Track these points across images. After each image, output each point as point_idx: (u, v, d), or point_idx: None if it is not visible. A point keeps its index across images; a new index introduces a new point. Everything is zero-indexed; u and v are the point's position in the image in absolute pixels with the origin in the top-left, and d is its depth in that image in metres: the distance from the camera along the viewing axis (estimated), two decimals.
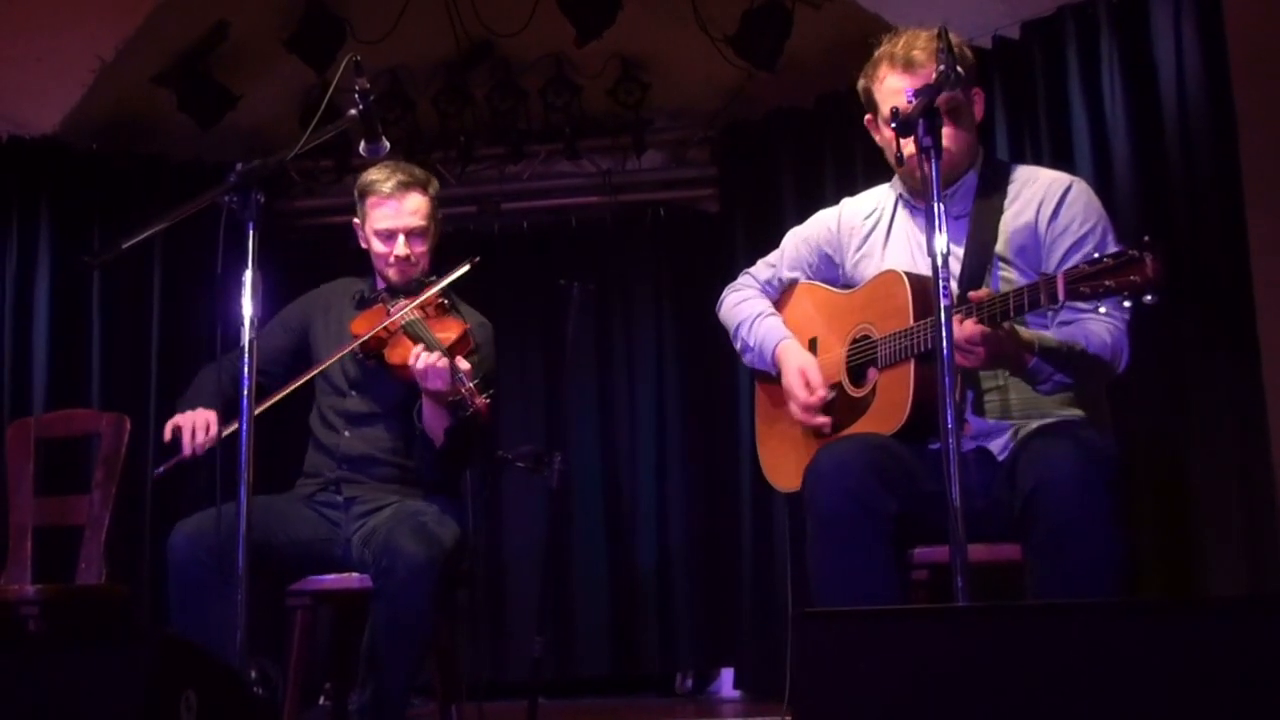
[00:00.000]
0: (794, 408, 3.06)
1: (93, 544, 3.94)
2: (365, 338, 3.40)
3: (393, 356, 3.37)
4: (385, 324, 3.40)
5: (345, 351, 3.44)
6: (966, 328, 2.61)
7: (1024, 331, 2.72)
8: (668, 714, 5.71)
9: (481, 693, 3.71)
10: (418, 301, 3.43)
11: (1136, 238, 2.40)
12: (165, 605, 3.22)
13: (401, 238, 3.51)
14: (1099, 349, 2.75)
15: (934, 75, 2.77)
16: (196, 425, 3.28)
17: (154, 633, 2.10)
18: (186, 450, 3.27)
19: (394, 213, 3.52)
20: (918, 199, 3.01)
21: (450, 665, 3.48)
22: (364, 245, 3.64)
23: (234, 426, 3.26)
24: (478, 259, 3.45)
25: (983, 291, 2.66)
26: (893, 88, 2.93)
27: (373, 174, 3.57)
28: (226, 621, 2.67)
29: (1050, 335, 2.76)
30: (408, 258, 3.52)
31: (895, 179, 3.11)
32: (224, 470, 2.81)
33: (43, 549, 4.02)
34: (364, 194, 3.58)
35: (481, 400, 3.16)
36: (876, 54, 2.99)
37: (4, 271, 5.50)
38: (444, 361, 3.18)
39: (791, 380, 3.07)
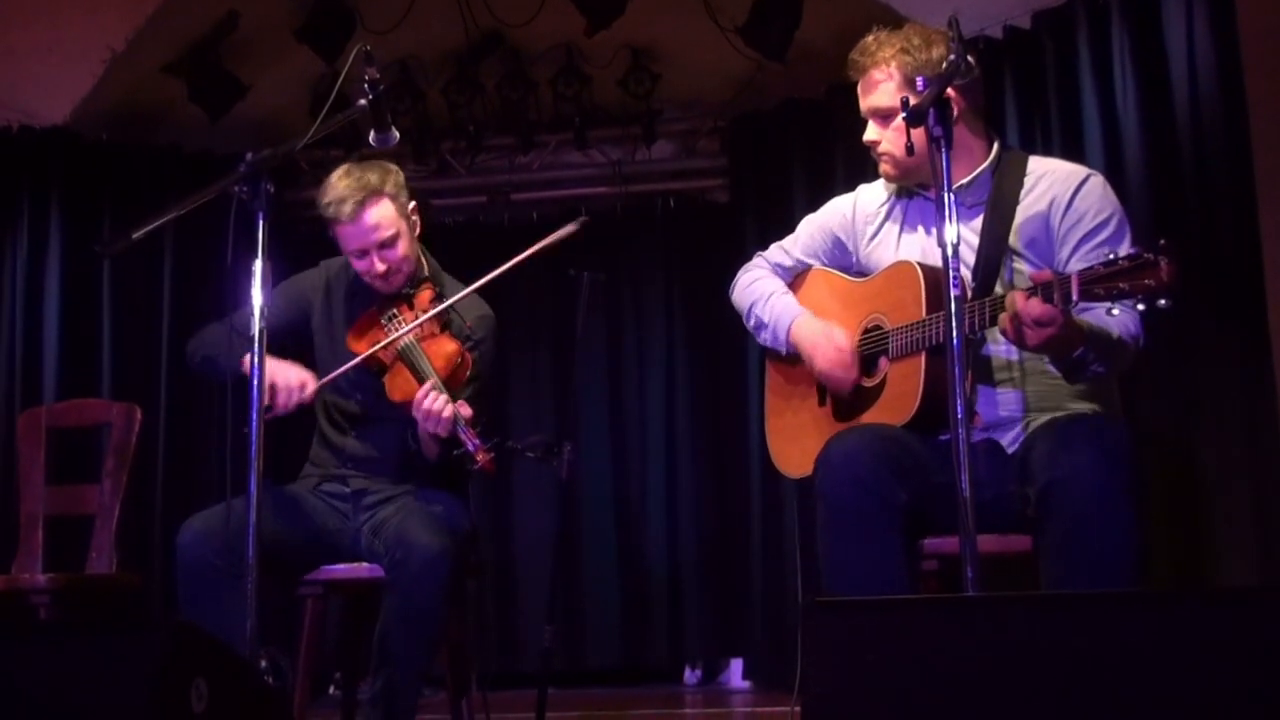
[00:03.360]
0: (825, 363, 3.03)
1: (103, 533, 3.95)
2: (364, 357, 3.35)
3: (394, 393, 3.32)
4: (383, 344, 3.35)
5: (345, 370, 3.37)
6: (1035, 307, 2.53)
7: (1075, 319, 2.65)
8: (677, 704, 5.71)
9: (491, 683, 3.71)
10: (417, 325, 3.36)
11: (1147, 230, 2.40)
12: (176, 594, 3.23)
13: (374, 255, 3.40)
14: (1127, 336, 2.74)
15: (877, 79, 2.91)
16: (291, 384, 3.26)
17: (164, 621, 2.10)
18: (281, 409, 3.24)
19: (358, 234, 3.37)
20: (928, 190, 3.01)
21: (461, 656, 3.48)
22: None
23: (325, 381, 3.32)
24: (587, 219, 3.38)
25: (1047, 272, 2.63)
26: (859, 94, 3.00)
27: (326, 196, 3.39)
28: (237, 618, 2.68)
29: (1092, 322, 2.69)
30: (386, 271, 3.41)
31: None
32: (233, 460, 2.81)
33: (54, 538, 4.03)
34: (326, 220, 3.44)
35: (485, 456, 3.16)
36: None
37: (15, 261, 5.52)
38: (448, 411, 3.16)
39: (817, 340, 3.05)
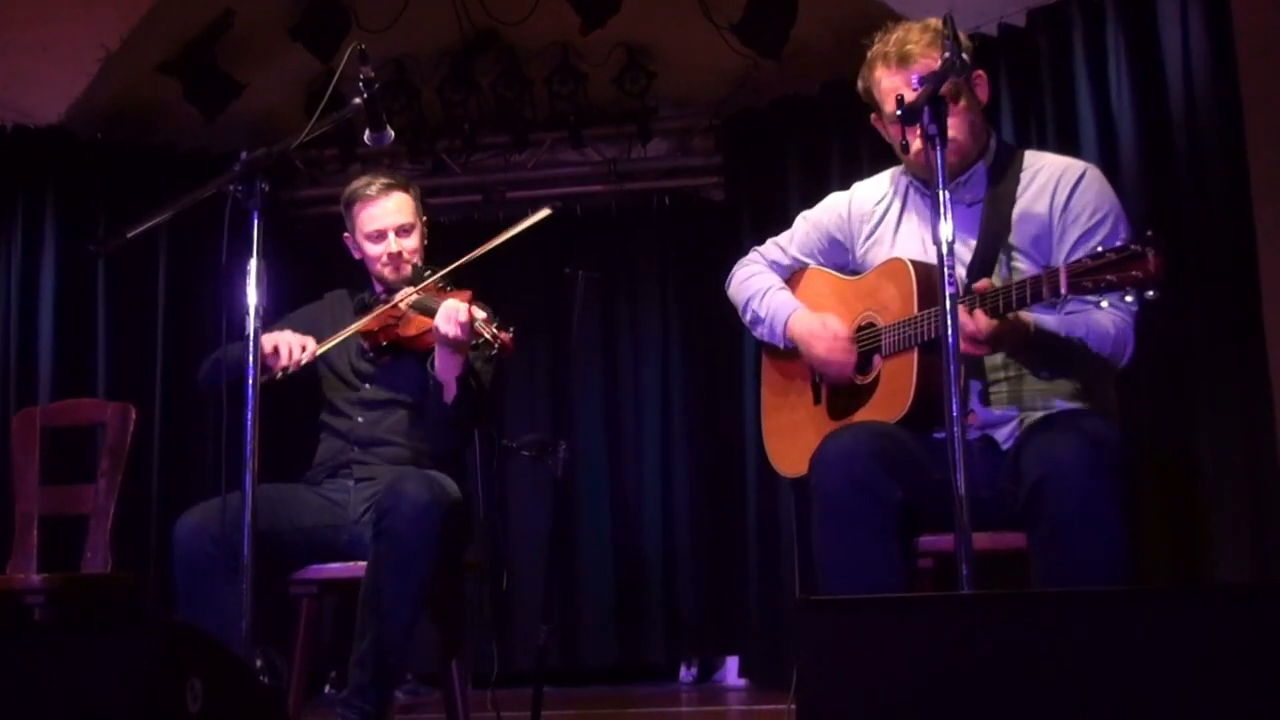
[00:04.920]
0: (823, 349, 3.03)
1: (98, 533, 3.94)
2: (374, 327, 3.48)
3: (407, 330, 3.47)
4: (393, 303, 3.49)
5: (357, 327, 3.50)
6: (979, 321, 2.58)
7: (1024, 315, 2.69)
8: (673, 702, 5.71)
9: (487, 682, 3.72)
10: (423, 285, 3.48)
11: (1142, 228, 2.40)
12: (171, 593, 3.23)
13: (391, 235, 3.59)
14: (1099, 339, 2.74)
15: (931, 66, 2.78)
16: (293, 344, 3.38)
17: (159, 621, 2.10)
18: (284, 361, 3.35)
19: (381, 212, 3.60)
20: (929, 186, 2.99)
21: (453, 625, 3.47)
22: (357, 256, 3.70)
23: (330, 344, 3.45)
24: (558, 205, 3.65)
25: (984, 282, 2.65)
26: (890, 86, 2.91)
27: (355, 183, 3.68)
28: (233, 609, 2.68)
29: (1050, 320, 2.74)
30: (400, 253, 3.59)
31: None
32: (229, 459, 2.81)
33: (49, 538, 4.02)
34: (350, 203, 3.66)
35: (505, 335, 3.30)
36: (870, 54, 2.97)
37: (9, 261, 5.51)
38: (465, 313, 3.27)
39: (814, 328, 3.06)
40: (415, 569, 3.16)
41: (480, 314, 3.31)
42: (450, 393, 3.40)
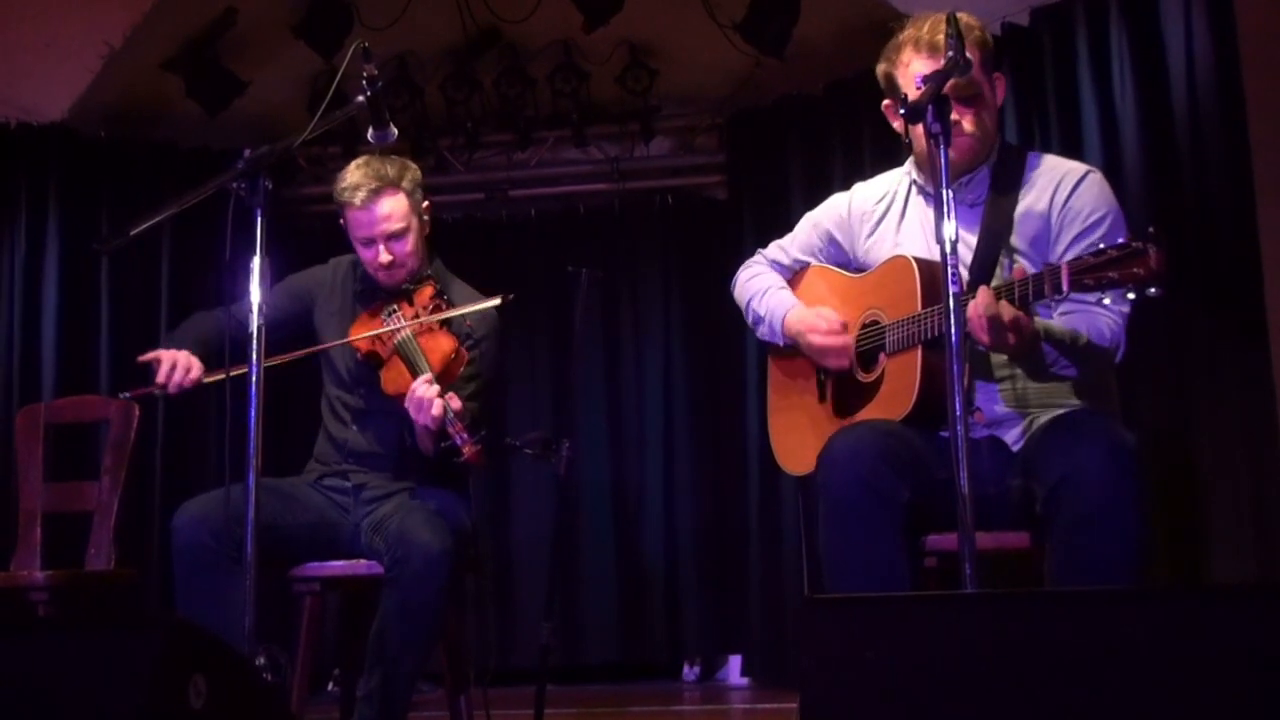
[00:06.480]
0: (819, 338, 3.04)
1: (102, 530, 3.94)
2: (344, 342, 3.42)
3: (387, 385, 3.37)
4: (379, 333, 3.39)
5: (342, 343, 3.45)
6: (1009, 310, 2.56)
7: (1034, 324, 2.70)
8: (675, 701, 5.72)
9: (489, 679, 3.71)
10: (416, 321, 3.39)
11: (1145, 227, 2.40)
12: (174, 590, 3.23)
13: (380, 245, 3.45)
14: (1098, 339, 2.74)
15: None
16: (178, 362, 3.26)
17: (162, 618, 2.10)
18: (161, 379, 3.24)
19: (369, 221, 3.43)
20: (931, 185, 2.99)
21: (458, 654, 3.48)
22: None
23: (217, 377, 3.24)
24: (511, 296, 3.38)
25: (1022, 267, 2.64)
26: (918, 71, 2.87)
27: (343, 182, 3.48)
28: (231, 602, 2.67)
29: (1054, 323, 2.75)
30: (390, 263, 3.46)
31: (909, 163, 3.10)
32: (232, 452, 2.81)
33: (52, 535, 4.02)
34: (339, 204, 3.50)
35: (471, 449, 3.17)
36: (900, 37, 2.95)
37: (13, 258, 5.52)
38: (438, 407, 3.16)
39: (808, 319, 3.06)
40: (425, 622, 3.16)
41: (454, 405, 3.18)
42: (430, 455, 3.33)
